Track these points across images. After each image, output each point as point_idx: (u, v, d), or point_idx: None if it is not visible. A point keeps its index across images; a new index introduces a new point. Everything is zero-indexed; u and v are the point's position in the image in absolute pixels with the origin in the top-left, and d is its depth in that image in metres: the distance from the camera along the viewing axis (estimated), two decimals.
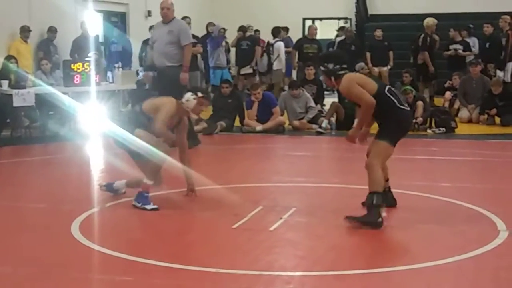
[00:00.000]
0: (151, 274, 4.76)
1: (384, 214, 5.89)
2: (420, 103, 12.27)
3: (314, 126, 12.31)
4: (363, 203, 6.13)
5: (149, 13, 17.40)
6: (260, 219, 6.15)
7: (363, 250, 5.51)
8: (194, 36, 13.47)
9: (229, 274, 4.74)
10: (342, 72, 6.09)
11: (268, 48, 16.80)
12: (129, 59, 15.17)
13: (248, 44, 16.11)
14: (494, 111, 13.08)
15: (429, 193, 7.12)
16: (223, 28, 15.90)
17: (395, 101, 6.00)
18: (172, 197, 6.98)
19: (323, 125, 12.09)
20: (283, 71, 16.66)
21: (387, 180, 6.36)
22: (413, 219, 6.16)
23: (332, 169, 9.41)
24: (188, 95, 6.65)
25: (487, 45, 15.21)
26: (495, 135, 11.79)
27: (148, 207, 6.44)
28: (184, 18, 13.52)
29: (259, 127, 12.24)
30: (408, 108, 6.23)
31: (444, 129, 12.09)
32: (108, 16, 17.03)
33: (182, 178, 6.91)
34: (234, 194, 6.97)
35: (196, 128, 11.86)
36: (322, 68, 6.22)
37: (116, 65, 13.15)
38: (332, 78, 6.14)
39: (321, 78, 11.03)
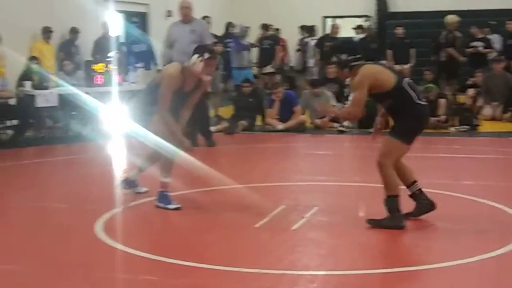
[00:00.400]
0: (175, 273, 4.78)
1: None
2: (442, 100, 12.21)
3: (335, 124, 12.27)
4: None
5: (169, 13, 17.43)
6: (282, 218, 6.15)
7: (385, 249, 5.50)
8: (214, 36, 13.49)
9: (252, 273, 4.74)
10: (356, 63, 5.87)
11: (304, 46, 16.73)
12: (150, 59, 15.19)
13: (270, 43, 16.13)
14: None
15: (452, 191, 7.09)
16: (247, 27, 15.88)
17: (413, 95, 5.78)
18: (194, 196, 7.00)
19: (345, 123, 12.06)
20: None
21: (414, 181, 6.02)
22: (435, 217, 6.11)
23: (353, 167, 9.38)
24: (194, 58, 6.29)
25: (510, 42, 15.10)
26: None
27: (170, 206, 6.44)
28: (204, 17, 13.55)
29: (280, 126, 12.23)
30: (426, 103, 5.97)
31: (467, 126, 12.01)
32: (129, 16, 17.09)
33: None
34: (256, 193, 6.97)
35: (217, 127, 11.90)
36: (334, 59, 6.03)
37: (138, 65, 13.19)
38: (345, 70, 5.90)
39: None
